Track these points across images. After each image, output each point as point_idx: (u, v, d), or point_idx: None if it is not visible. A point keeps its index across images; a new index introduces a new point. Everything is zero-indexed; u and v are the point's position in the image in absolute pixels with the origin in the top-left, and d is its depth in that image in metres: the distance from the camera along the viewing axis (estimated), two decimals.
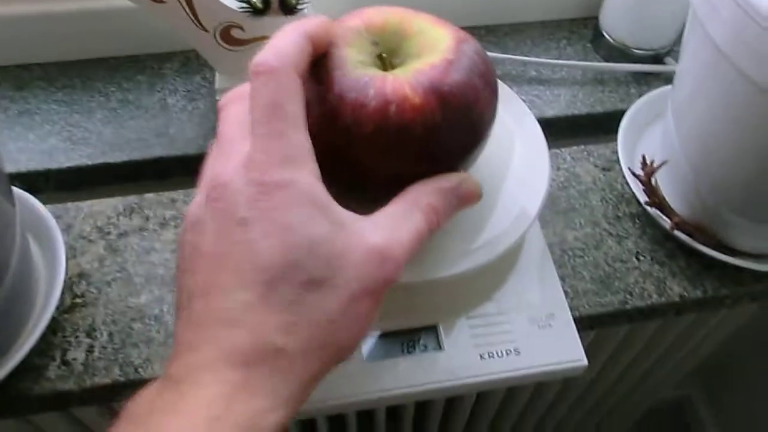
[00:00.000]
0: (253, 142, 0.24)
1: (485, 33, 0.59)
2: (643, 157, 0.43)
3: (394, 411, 0.70)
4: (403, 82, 0.31)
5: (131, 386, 0.39)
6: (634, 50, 0.56)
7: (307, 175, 0.25)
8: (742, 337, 0.94)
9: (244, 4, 0.46)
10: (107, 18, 0.52)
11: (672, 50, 0.57)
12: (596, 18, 0.58)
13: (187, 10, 0.45)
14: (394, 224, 0.26)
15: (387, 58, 0.35)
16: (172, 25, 0.46)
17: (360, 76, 0.32)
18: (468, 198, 0.30)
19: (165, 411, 0.22)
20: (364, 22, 0.34)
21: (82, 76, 0.54)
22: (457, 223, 0.39)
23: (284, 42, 0.26)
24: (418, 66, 0.32)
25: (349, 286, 0.24)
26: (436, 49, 0.33)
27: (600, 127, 0.54)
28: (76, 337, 0.40)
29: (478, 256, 0.37)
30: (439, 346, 0.38)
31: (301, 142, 0.25)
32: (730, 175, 0.40)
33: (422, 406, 0.71)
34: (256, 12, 0.46)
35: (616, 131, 0.49)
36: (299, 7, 0.47)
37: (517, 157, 0.42)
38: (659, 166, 0.42)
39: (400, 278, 0.26)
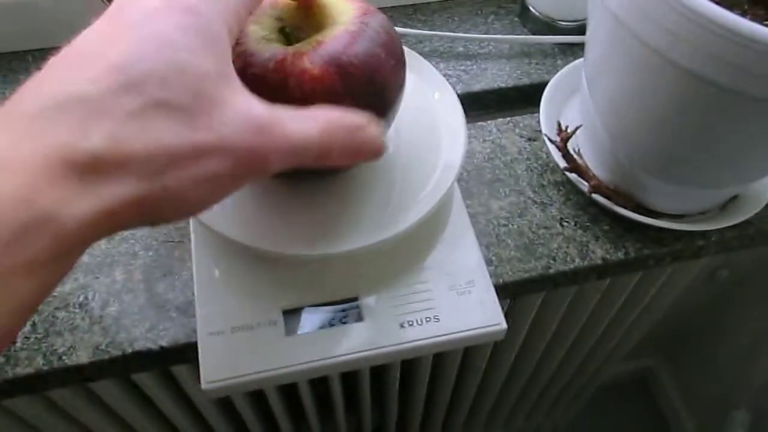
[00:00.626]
0: None
1: (413, 11, 0.59)
2: (558, 123, 0.43)
3: (352, 382, 0.70)
4: (303, 55, 0.32)
5: (55, 375, 0.39)
6: (560, 22, 0.56)
7: (221, 17, 0.23)
8: (696, 302, 0.96)
9: None
10: (27, 11, 0.52)
11: None
12: None
13: None
14: (283, 117, 0.24)
15: (291, 32, 0.35)
16: None
17: (262, 52, 0.33)
18: (370, 143, 0.27)
19: None
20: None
21: (6, 70, 0.53)
22: (375, 193, 0.40)
23: None
24: (320, 39, 0.33)
25: (206, 132, 0.21)
26: (339, 22, 0.34)
27: (527, 99, 0.55)
28: None
29: (396, 226, 0.38)
30: (360, 318, 0.38)
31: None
32: (643, 139, 0.41)
33: (379, 376, 0.72)
34: None
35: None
36: None
37: (435, 128, 0.43)
38: (573, 131, 0.43)
39: (269, 168, 0.23)
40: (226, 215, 0.37)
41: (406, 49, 0.37)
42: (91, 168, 0.19)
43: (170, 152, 0.21)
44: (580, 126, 0.43)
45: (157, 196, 0.21)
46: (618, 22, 0.36)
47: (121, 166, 0.20)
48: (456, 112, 0.42)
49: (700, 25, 0.31)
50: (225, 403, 0.64)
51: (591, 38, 0.42)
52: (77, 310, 0.40)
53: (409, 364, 0.73)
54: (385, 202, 0.39)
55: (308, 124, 0.25)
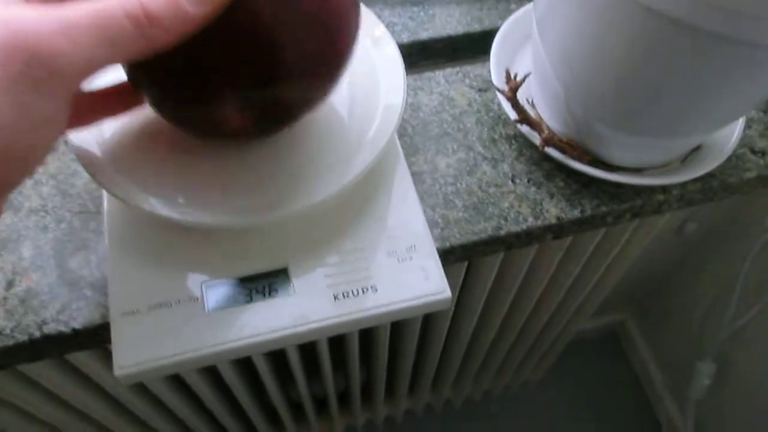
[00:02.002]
0: None
1: None
2: (507, 72, 0.40)
3: (310, 348, 0.68)
4: None
5: None
6: None
7: None
8: (664, 255, 0.95)
9: None
10: None
11: None
12: None
13: None
14: (62, 4, 0.21)
15: None
16: None
17: None
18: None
19: None
20: None
21: None
22: (305, 155, 0.36)
23: None
24: None
25: None
26: None
27: (479, 47, 0.51)
28: None
29: (326, 188, 0.34)
30: (290, 290, 0.35)
31: None
32: (597, 85, 0.38)
33: (339, 341, 0.69)
34: None
35: None
36: None
37: (373, 81, 0.39)
38: (523, 80, 0.39)
39: (53, 58, 0.21)
40: (140, 181, 0.33)
41: None
42: None
43: None
44: (530, 74, 0.40)
45: None
46: None
47: None
48: (395, 62, 0.38)
49: None
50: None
51: None
52: None
53: (367, 330, 0.70)
54: (315, 163, 0.36)
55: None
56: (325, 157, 0.36)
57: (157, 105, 0.31)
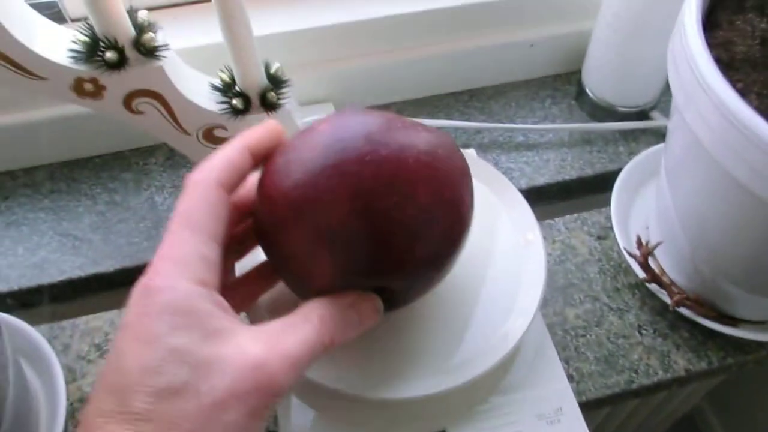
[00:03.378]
0: (159, 245, 0.26)
1: (469, 98, 0.59)
2: (638, 238, 0.42)
3: None
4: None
5: None
6: (619, 107, 0.56)
7: (189, 282, 0.25)
8: None
9: (225, 106, 0.46)
10: (89, 120, 0.52)
11: (658, 103, 0.57)
12: (579, 72, 0.58)
13: (169, 118, 0.45)
14: (278, 336, 0.26)
15: None
16: (153, 132, 0.46)
17: None
18: (367, 316, 0.30)
19: None
20: None
21: (68, 178, 0.53)
22: (450, 329, 0.39)
23: (217, 156, 0.29)
24: None
25: (214, 392, 0.24)
26: None
27: (592, 189, 0.54)
28: None
29: (476, 366, 0.37)
30: None
31: (194, 248, 0.26)
32: (727, 251, 0.40)
33: None
34: (237, 112, 0.46)
35: (608, 192, 0.49)
36: (280, 102, 0.47)
37: (510, 249, 0.42)
38: (654, 247, 0.42)
39: (283, 388, 0.25)
40: None
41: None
42: None
43: (189, 428, 0.23)
44: (662, 243, 0.42)
45: None
46: (700, 145, 0.35)
47: None
48: (531, 227, 0.41)
49: None
50: None
51: (671, 140, 0.41)
52: None
53: None
54: (464, 338, 0.38)
55: (304, 328, 0.27)
56: (473, 331, 0.39)
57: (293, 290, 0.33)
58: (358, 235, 0.28)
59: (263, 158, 0.31)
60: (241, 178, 0.30)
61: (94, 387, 0.25)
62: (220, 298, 0.27)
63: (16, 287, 0.47)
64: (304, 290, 0.31)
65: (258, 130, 0.31)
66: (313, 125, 0.31)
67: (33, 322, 0.43)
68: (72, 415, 0.41)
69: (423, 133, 0.30)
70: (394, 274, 0.30)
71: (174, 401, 0.23)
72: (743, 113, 0.30)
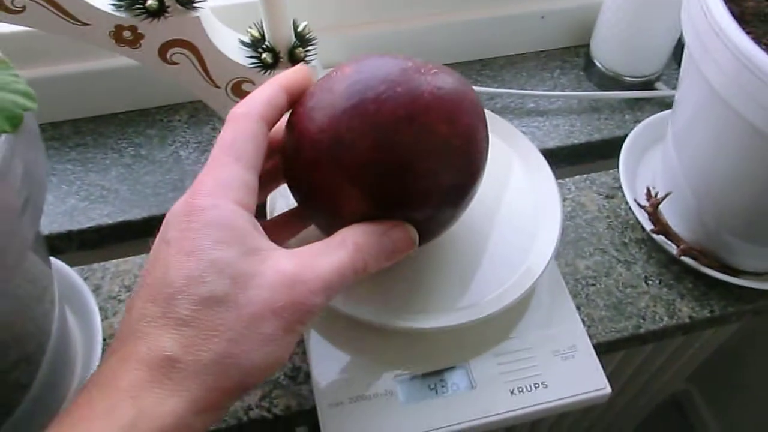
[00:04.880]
0: (202, 171, 0.28)
1: (481, 67, 0.61)
2: (648, 190, 0.45)
3: None
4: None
5: None
6: (626, 77, 0.58)
7: (232, 202, 0.27)
8: (737, 337, 0.97)
9: (255, 61, 0.48)
10: (115, 75, 0.53)
11: (662, 75, 0.60)
12: (588, 47, 0.61)
13: (200, 70, 0.47)
14: (313, 256, 0.28)
15: None
16: (184, 83, 0.48)
17: None
18: (401, 243, 0.31)
19: (86, 416, 0.23)
20: None
21: (94, 132, 0.55)
22: (473, 265, 0.41)
23: (257, 93, 0.31)
24: None
25: (252, 305, 0.25)
26: None
27: (599, 154, 0.56)
28: None
29: (499, 301, 0.39)
30: (471, 385, 0.40)
31: (238, 173, 0.28)
32: (732, 202, 0.43)
33: None
34: (266, 67, 0.48)
35: (615, 157, 0.52)
36: (308, 59, 0.49)
37: (527, 195, 0.44)
38: (663, 198, 0.45)
39: (316, 306, 0.27)
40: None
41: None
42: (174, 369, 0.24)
43: (229, 337, 0.25)
44: (671, 193, 0.45)
45: (231, 375, 0.25)
46: (714, 94, 0.37)
47: (195, 364, 0.24)
48: (546, 177, 0.44)
49: None
50: None
51: (682, 99, 0.43)
52: None
53: None
54: (484, 276, 0.41)
55: (338, 253, 0.28)
56: (492, 269, 0.41)
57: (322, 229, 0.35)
58: (383, 168, 0.30)
59: (296, 99, 0.32)
60: (280, 115, 0.32)
61: (133, 299, 0.26)
62: (257, 222, 0.28)
63: (46, 232, 0.49)
64: (334, 228, 0.32)
65: (290, 72, 0.32)
66: (337, 68, 0.33)
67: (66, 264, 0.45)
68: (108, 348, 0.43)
69: (440, 74, 0.32)
70: (420, 203, 0.32)
71: (216, 309, 0.25)
72: (758, 57, 0.33)
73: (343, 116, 0.30)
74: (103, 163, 0.53)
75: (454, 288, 0.40)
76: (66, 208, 0.50)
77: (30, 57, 0.52)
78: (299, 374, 0.42)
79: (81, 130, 0.55)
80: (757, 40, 0.36)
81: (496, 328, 0.42)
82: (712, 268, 0.46)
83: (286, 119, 0.33)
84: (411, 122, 0.30)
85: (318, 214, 0.34)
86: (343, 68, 0.32)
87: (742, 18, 0.37)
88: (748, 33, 0.36)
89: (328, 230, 0.33)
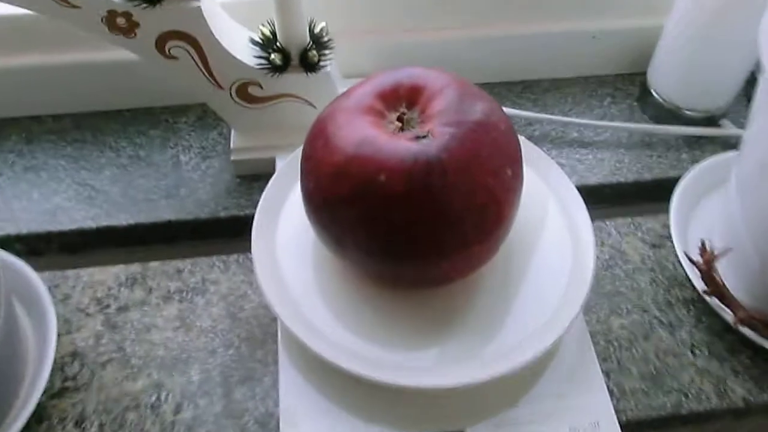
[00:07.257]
0: None
1: (522, 89, 0.55)
2: (703, 242, 0.38)
3: None
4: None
5: None
6: (686, 111, 0.51)
7: None
8: None
9: (263, 61, 0.43)
10: (122, 70, 0.50)
11: (728, 112, 0.52)
12: (644, 74, 0.54)
13: (202, 68, 0.42)
14: None
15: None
16: (185, 81, 0.43)
17: None
18: None
19: None
20: None
21: (95, 129, 0.51)
22: (486, 315, 0.35)
23: None
24: None
25: None
26: None
27: (648, 195, 0.49)
28: (64, 427, 0.36)
29: (507, 361, 0.33)
30: None
31: None
32: None
33: None
34: (275, 69, 0.43)
35: (666, 201, 0.45)
36: (321, 64, 0.44)
37: (556, 237, 0.38)
38: (721, 254, 0.37)
39: None
40: (319, 324, 0.33)
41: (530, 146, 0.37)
42: None
43: None
44: (730, 250, 0.38)
45: None
46: None
47: None
48: (583, 224, 0.37)
49: None
50: None
51: (750, 143, 0.36)
52: (147, 412, 0.37)
53: None
54: (497, 329, 0.34)
55: None
56: (507, 322, 0.35)
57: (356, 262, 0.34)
58: (396, 220, 0.30)
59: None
60: None
61: None
62: None
63: (25, 231, 0.45)
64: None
65: None
66: (350, 92, 0.33)
67: (37, 268, 0.40)
68: (61, 369, 0.38)
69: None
70: (432, 254, 0.31)
71: None
72: None
73: (355, 158, 0.31)
74: (97, 162, 0.49)
75: (458, 339, 0.34)
76: (49, 207, 0.46)
77: (32, 43, 0.48)
78: (272, 421, 0.36)
79: (81, 125, 0.52)
80: None
81: (502, 392, 0.35)
82: None
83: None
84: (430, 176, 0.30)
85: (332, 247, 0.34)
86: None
87: None
88: None
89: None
